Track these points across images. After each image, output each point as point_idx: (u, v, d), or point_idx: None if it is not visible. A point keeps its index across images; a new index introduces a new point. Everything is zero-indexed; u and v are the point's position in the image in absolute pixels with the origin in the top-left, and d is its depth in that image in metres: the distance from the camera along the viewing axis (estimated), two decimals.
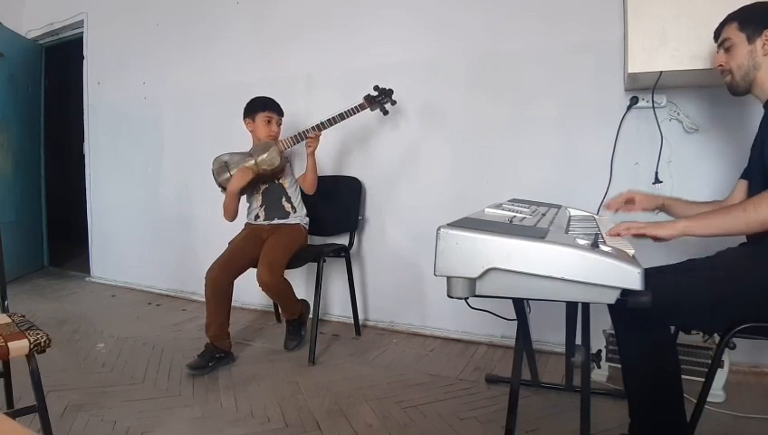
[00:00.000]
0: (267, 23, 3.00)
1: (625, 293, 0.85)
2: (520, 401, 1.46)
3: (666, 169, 2.09)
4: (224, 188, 2.35)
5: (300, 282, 2.83)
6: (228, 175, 2.34)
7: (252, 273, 2.19)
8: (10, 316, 1.46)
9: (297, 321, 2.44)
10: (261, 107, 2.38)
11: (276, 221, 2.41)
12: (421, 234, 2.57)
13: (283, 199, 2.43)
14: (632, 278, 0.83)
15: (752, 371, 1.99)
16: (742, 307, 1.18)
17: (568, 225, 1.31)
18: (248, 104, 2.42)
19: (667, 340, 1.32)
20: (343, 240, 2.64)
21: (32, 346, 1.28)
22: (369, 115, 2.45)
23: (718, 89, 1.49)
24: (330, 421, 1.71)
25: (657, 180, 2.08)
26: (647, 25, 1.77)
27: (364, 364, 2.24)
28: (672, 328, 1.35)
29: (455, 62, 2.51)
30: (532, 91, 2.34)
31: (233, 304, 2.23)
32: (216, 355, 2.16)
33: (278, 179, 2.43)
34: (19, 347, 1.27)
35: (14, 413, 1.44)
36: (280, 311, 2.70)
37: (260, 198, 2.44)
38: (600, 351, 1.94)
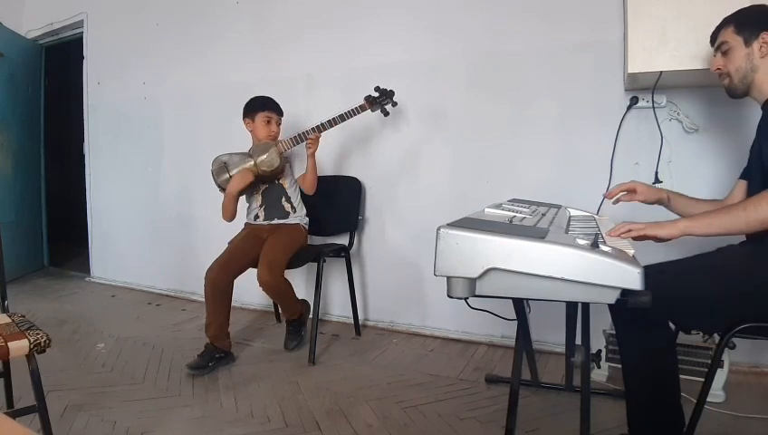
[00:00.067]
0: (267, 23, 3.00)
1: (625, 293, 0.85)
2: (520, 401, 1.46)
3: (666, 168, 2.09)
4: (223, 189, 2.35)
5: (300, 282, 2.83)
6: (228, 176, 2.34)
7: (252, 273, 2.19)
8: (10, 316, 1.46)
9: (297, 321, 2.44)
10: (260, 107, 2.38)
11: (276, 221, 2.41)
12: (421, 234, 2.57)
13: (283, 199, 2.43)
14: (632, 278, 0.83)
15: (752, 371, 1.99)
16: (741, 306, 1.18)
17: (568, 225, 1.31)
18: (247, 104, 2.42)
19: (668, 340, 1.32)
20: (343, 240, 2.64)
21: (32, 346, 1.28)
22: (369, 115, 2.45)
23: (718, 89, 1.49)
24: (330, 421, 1.71)
25: (656, 180, 2.08)
26: (647, 25, 1.77)
27: (364, 364, 2.24)
28: (672, 328, 1.35)
29: (455, 63, 2.51)
30: (532, 91, 2.34)
31: (233, 304, 2.23)
32: (215, 355, 2.16)
33: (278, 180, 2.43)
34: (19, 347, 1.27)
35: (14, 413, 1.44)
36: (280, 311, 2.70)
37: (260, 198, 2.44)
38: (599, 351, 1.94)
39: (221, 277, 2.16)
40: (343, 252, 2.54)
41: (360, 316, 2.68)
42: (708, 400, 1.32)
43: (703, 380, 1.24)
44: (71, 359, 2.26)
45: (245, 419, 1.74)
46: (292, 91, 2.86)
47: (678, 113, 2.07)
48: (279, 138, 2.40)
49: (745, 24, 1.35)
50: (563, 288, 0.87)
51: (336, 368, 2.20)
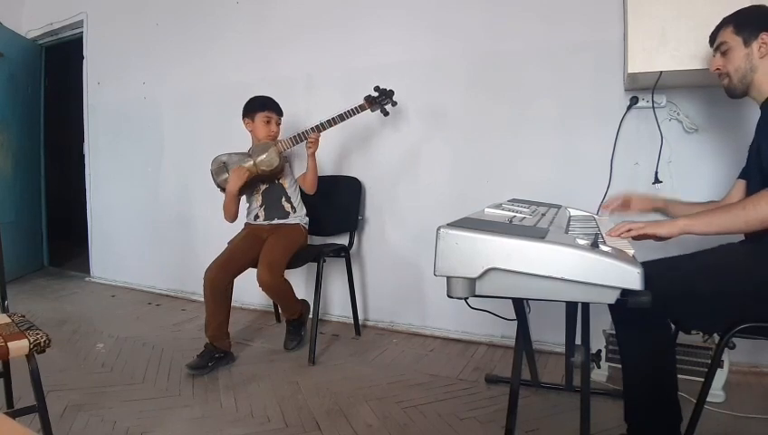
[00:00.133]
0: (267, 23, 3.00)
1: (625, 293, 0.85)
2: (520, 401, 1.46)
3: (665, 168, 2.09)
4: (222, 189, 2.35)
5: (300, 282, 2.83)
6: (227, 175, 2.33)
7: (252, 273, 2.19)
8: (10, 316, 1.46)
9: (297, 321, 2.44)
10: (260, 107, 2.38)
11: (276, 221, 2.41)
12: (421, 234, 2.57)
13: (283, 199, 2.43)
14: (632, 278, 0.83)
15: (752, 371, 1.99)
16: (741, 306, 1.18)
17: (568, 225, 1.31)
18: (247, 104, 2.41)
19: (667, 340, 1.32)
20: (343, 240, 2.64)
21: (32, 346, 1.28)
22: (369, 115, 2.45)
23: (718, 89, 1.49)
24: (329, 421, 1.71)
25: (656, 180, 2.08)
26: (647, 25, 1.77)
27: (364, 364, 2.24)
28: (672, 328, 1.35)
29: (455, 62, 2.51)
30: (532, 91, 2.34)
31: (233, 304, 2.23)
32: (215, 355, 2.16)
33: (278, 180, 2.43)
34: (19, 347, 1.27)
35: (14, 413, 1.44)
36: (280, 311, 2.70)
37: (260, 198, 2.44)
38: (599, 351, 1.94)
39: (220, 277, 2.16)
40: (343, 252, 2.54)
41: (360, 316, 2.68)
42: (708, 400, 1.33)
43: (703, 380, 1.25)
44: (70, 359, 2.26)
45: (245, 419, 1.74)
46: (292, 91, 2.85)
47: (678, 113, 2.07)
48: (279, 138, 2.39)
49: (745, 24, 1.36)
50: (563, 288, 0.87)
51: (336, 368, 2.20)
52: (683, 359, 1.83)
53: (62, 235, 4.67)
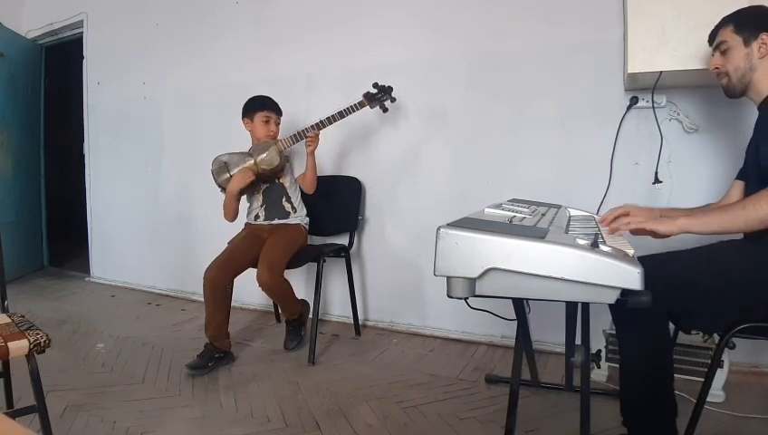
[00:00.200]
0: (267, 23, 3.00)
1: (625, 293, 0.85)
2: (520, 401, 1.46)
3: (665, 168, 2.09)
4: (223, 189, 2.35)
5: (300, 282, 2.83)
6: (228, 175, 2.33)
7: (252, 273, 2.19)
8: (10, 316, 1.46)
9: (297, 321, 2.44)
10: (259, 106, 2.38)
11: (276, 221, 2.41)
12: (421, 234, 2.57)
13: (284, 199, 2.43)
14: (632, 278, 0.83)
15: (752, 371, 1.99)
16: (741, 305, 1.18)
17: (568, 225, 1.31)
18: (246, 104, 2.41)
19: (667, 340, 1.32)
20: (343, 240, 2.64)
21: (31, 346, 1.28)
22: (369, 114, 2.45)
23: (718, 89, 1.49)
24: (329, 421, 1.71)
25: (656, 180, 2.08)
26: (647, 25, 1.77)
27: (364, 364, 2.24)
28: (672, 329, 1.35)
29: (455, 62, 2.51)
30: (532, 91, 2.34)
31: (233, 304, 2.23)
32: (215, 355, 2.16)
33: (278, 179, 2.43)
34: (19, 347, 1.27)
35: (14, 413, 1.44)
36: (280, 311, 2.70)
37: (260, 197, 2.44)
38: (599, 351, 1.94)
39: (220, 277, 2.16)
40: (343, 252, 2.54)
41: (360, 316, 2.68)
42: (708, 400, 1.33)
43: (703, 380, 1.25)
44: (70, 359, 2.26)
45: (245, 419, 1.74)
46: (291, 91, 2.85)
47: (678, 113, 2.07)
48: (278, 137, 2.39)
49: (745, 24, 1.36)
50: (563, 288, 0.87)
51: (336, 368, 2.20)
52: (683, 359, 1.83)
53: (62, 235, 4.67)
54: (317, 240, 2.71)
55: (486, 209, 1.31)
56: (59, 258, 4.36)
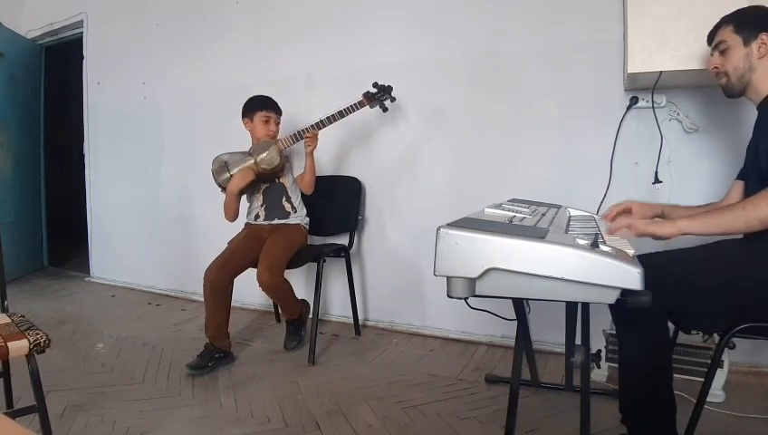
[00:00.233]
0: (267, 23, 3.00)
1: (625, 293, 0.85)
2: (520, 401, 1.46)
3: (665, 168, 2.09)
4: (223, 189, 2.35)
5: (300, 282, 2.83)
6: (228, 175, 2.34)
7: (252, 273, 2.19)
8: (10, 316, 1.46)
9: (297, 321, 2.44)
10: (259, 106, 2.38)
11: (276, 221, 2.41)
12: (421, 234, 2.57)
13: (284, 199, 2.43)
14: (632, 278, 0.83)
15: (752, 371, 1.99)
16: (741, 305, 1.18)
17: (568, 225, 1.31)
18: (246, 103, 2.41)
19: (667, 340, 1.33)
20: (343, 240, 2.64)
21: (31, 346, 1.28)
22: (368, 114, 2.45)
23: (718, 89, 1.49)
24: (329, 421, 1.71)
25: (656, 180, 2.08)
26: (647, 25, 1.77)
27: (364, 364, 2.24)
28: (672, 329, 1.35)
29: (455, 62, 2.51)
30: (532, 91, 2.34)
31: (233, 304, 2.23)
32: (215, 355, 2.16)
33: (278, 178, 2.43)
34: (19, 347, 1.27)
35: (14, 413, 1.44)
36: (280, 311, 2.70)
37: (261, 197, 2.44)
38: (599, 351, 1.94)
39: (220, 277, 2.16)
40: (343, 252, 2.54)
41: (360, 316, 2.68)
42: (708, 400, 1.33)
43: (703, 380, 1.25)
44: (70, 359, 2.26)
45: (245, 419, 1.74)
46: (291, 91, 2.85)
47: (678, 113, 2.07)
48: (278, 137, 2.39)
49: (744, 24, 1.36)
50: (563, 288, 0.87)
51: (336, 368, 2.20)
52: (683, 359, 1.83)
53: (62, 235, 4.67)
54: (317, 240, 2.71)
55: (486, 209, 1.31)
56: (59, 258, 4.36)
